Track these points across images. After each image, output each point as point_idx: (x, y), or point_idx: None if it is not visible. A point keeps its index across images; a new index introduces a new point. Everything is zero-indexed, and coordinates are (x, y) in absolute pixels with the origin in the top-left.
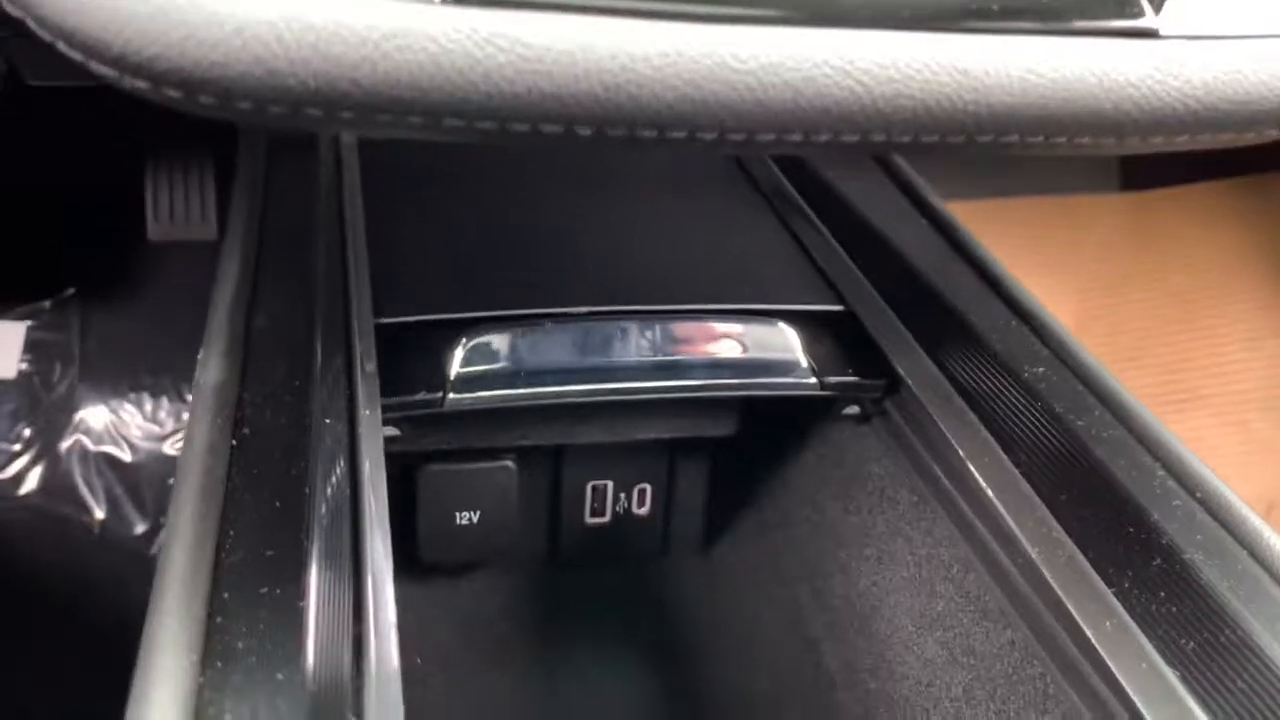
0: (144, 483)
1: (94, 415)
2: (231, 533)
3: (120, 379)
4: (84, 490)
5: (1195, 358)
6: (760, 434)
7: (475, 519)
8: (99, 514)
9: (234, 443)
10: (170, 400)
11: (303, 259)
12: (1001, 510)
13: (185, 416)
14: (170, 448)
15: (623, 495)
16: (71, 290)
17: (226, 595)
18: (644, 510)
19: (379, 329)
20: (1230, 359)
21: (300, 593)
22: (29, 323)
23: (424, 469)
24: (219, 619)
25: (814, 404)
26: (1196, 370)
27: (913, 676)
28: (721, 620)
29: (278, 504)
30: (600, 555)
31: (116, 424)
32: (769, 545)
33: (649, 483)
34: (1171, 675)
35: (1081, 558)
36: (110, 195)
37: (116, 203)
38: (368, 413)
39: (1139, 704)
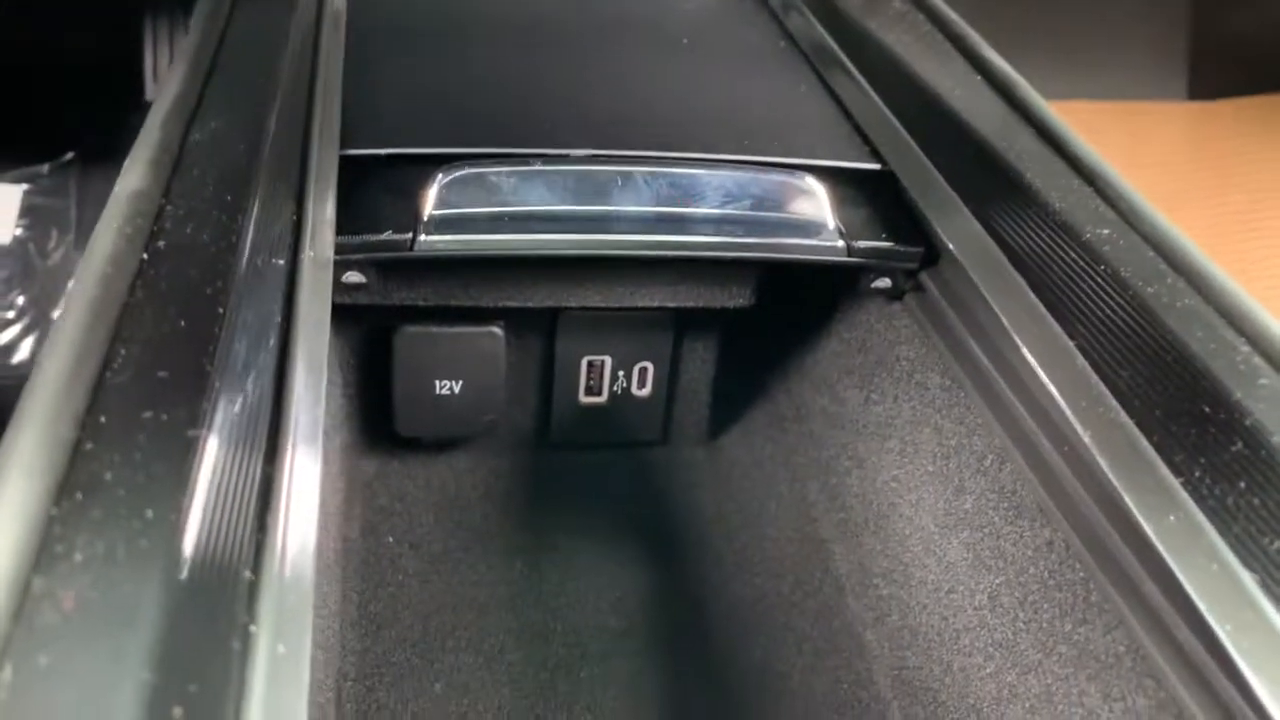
0: None
1: None
2: (123, 351)
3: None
4: None
5: (1249, 282)
6: (778, 310)
7: (457, 389)
8: None
9: (144, 256)
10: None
11: (264, 80)
12: (1051, 389)
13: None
14: None
15: (621, 373)
16: (70, 155)
17: (103, 419)
18: (644, 391)
19: (345, 161)
20: None
21: (194, 420)
22: (25, 186)
23: (400, 330)
24: (88, 444)
25: (840, 274)
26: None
27: (931, 581)
28: (724, 515)
29: (183, 324)
30: (594, 438)
31: None
32: (781, 437)
33: (651, 361)
34: (1249, 581)
35: (1144, 442)
36: (109, 59)
37: (115, 66)
38: (315, 244)
39: (1205, 611)
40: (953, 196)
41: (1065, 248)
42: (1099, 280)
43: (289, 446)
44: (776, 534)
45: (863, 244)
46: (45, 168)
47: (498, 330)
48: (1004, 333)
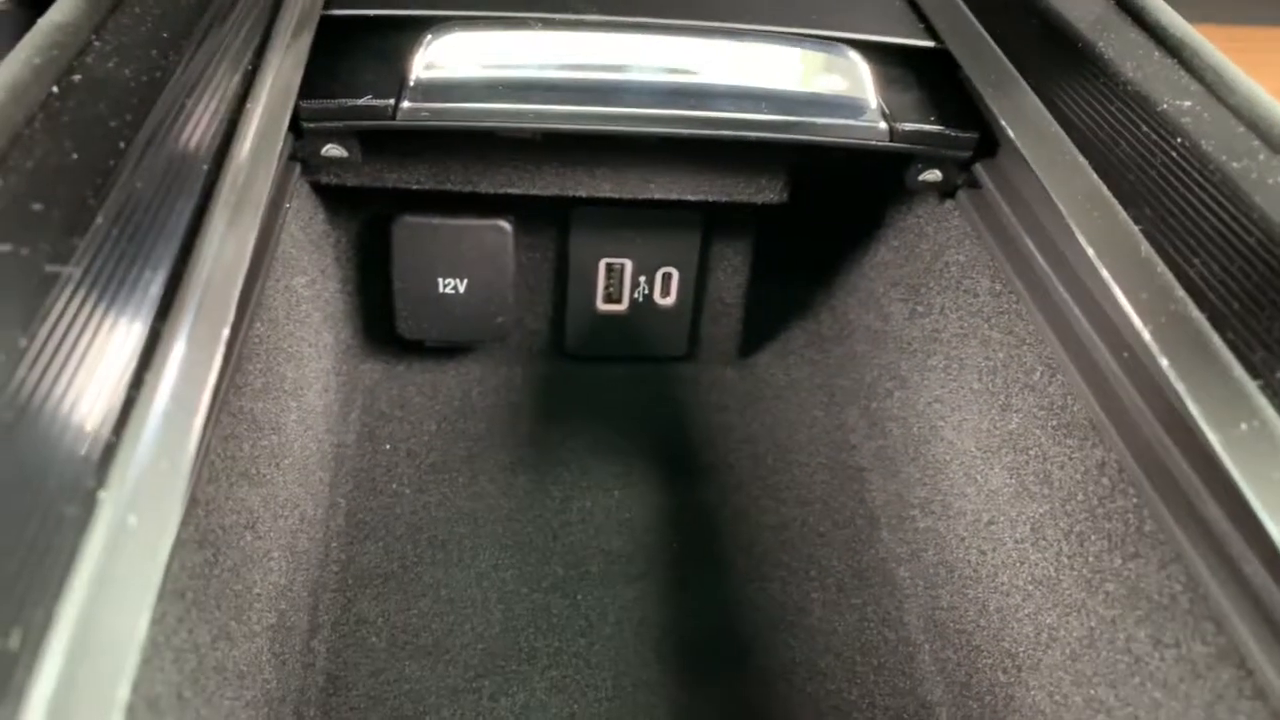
0: None
1: None
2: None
3: None
4: None
5: None
6: (817, 208)
7: (462, 288)
8: None
9: (53, 90)
10: None
11: None
12: (1110, 283)
13: None
14: None
15: (643, 279)
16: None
17: None
18: (668, 301)
19: (326, 21)
20: None
21: (58, 255)
22: None
23: (399, 219)
24: None
25: (885, 166)
26: None
27: (971, 512)
28: (752, 439)
29: (75, 156)
30: (613, 350)
31: None
32: (820, 359)
33: (675, 266)
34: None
35: (1216, 339)
36: None
37: None
38: (267, 98)
39: (1276, 537)
40: (1015, 76)
41: (1138, 123)
42: (1175, 157)
43: (190, 304)
44: (808, 460)
45: (909, 127)
46: None
47: (506, 224)
48: (1063, 226)
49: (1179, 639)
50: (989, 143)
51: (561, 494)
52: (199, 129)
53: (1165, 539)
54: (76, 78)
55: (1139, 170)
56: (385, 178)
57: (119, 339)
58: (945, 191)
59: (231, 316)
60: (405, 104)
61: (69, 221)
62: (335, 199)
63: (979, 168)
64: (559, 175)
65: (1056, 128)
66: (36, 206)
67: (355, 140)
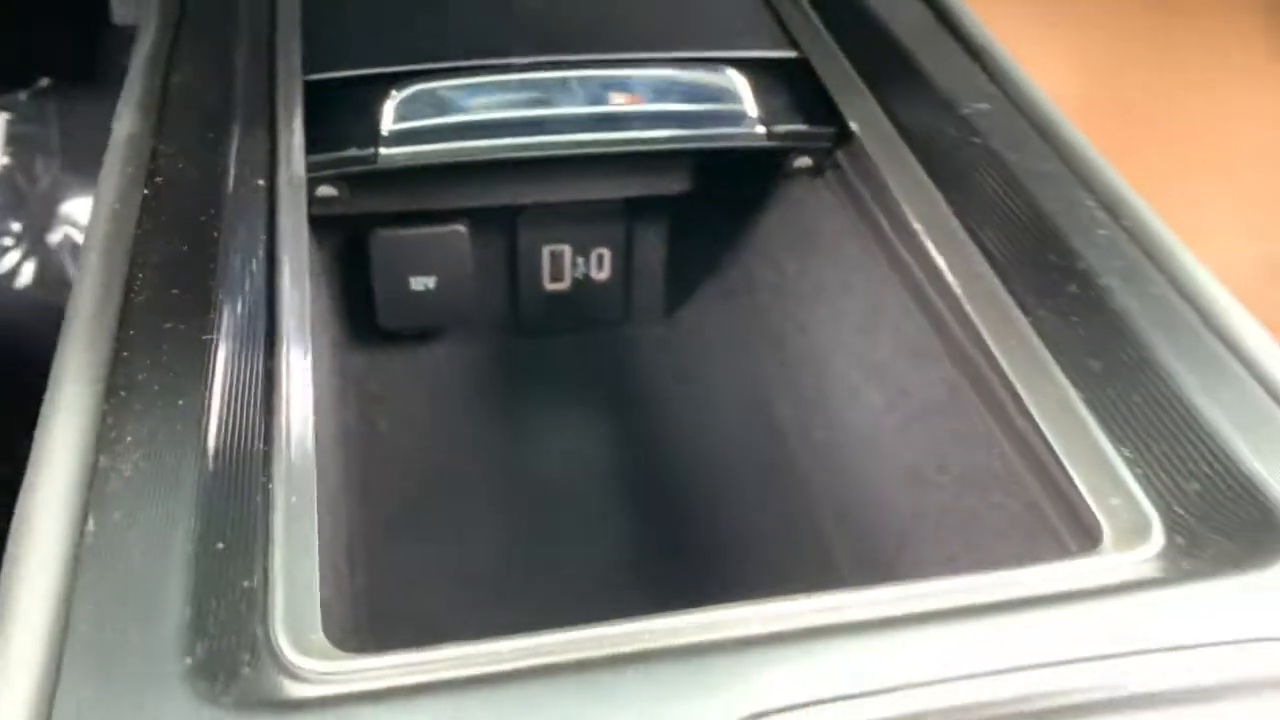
0: None
1: (79, 207)
2: (140, 276)
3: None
4: None
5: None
6: (716, 192)
7: (431, 285)
8: None
9: (146, 192)
10: None
11: (229, 15)
12: (934, 253)
13: None
14: None
15: (580, 260)
16: (45, 81)
17: (132, 332)
18: (603, 275)
19: (308, 85)
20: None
21: (205, 328)
22: (6, 116)
23: (375, 234)
24: (124, 353)
25: (766, 157)
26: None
27: (855, 424)
28: (685, 380)
29: (185, 248)
30: (561, 321)
31: None
32: (732, 309)
33: (607, 247)
34: (1074, 393)
35: (1003, 291)
36: None
37: None
38: (288, 165)
39: (1038, 418)
40: (857, 80)
41: (949, 123)
42: (975, 151)
43: (284, 341)
44: (728, 395)
45: (781, 128)
46: (23, 95)
47: (462, 228)
48: (897, 204)
49: (1002, 501)
50: (844, 133)
51: (535, 445)
52: (256, 207)
53: (987, 432)
54: (159, 180)
55: (950, 161)
56: (365, 205)
57: (253, 377)
58: (815, 173)
59: (310, 346)
60: (382, 150)
61: (202, 299)
62: (323, 225)
63: (839, 154)
64: (508, 189)
65: (890, 125)
66: (175, 292)
67: (344, 182)
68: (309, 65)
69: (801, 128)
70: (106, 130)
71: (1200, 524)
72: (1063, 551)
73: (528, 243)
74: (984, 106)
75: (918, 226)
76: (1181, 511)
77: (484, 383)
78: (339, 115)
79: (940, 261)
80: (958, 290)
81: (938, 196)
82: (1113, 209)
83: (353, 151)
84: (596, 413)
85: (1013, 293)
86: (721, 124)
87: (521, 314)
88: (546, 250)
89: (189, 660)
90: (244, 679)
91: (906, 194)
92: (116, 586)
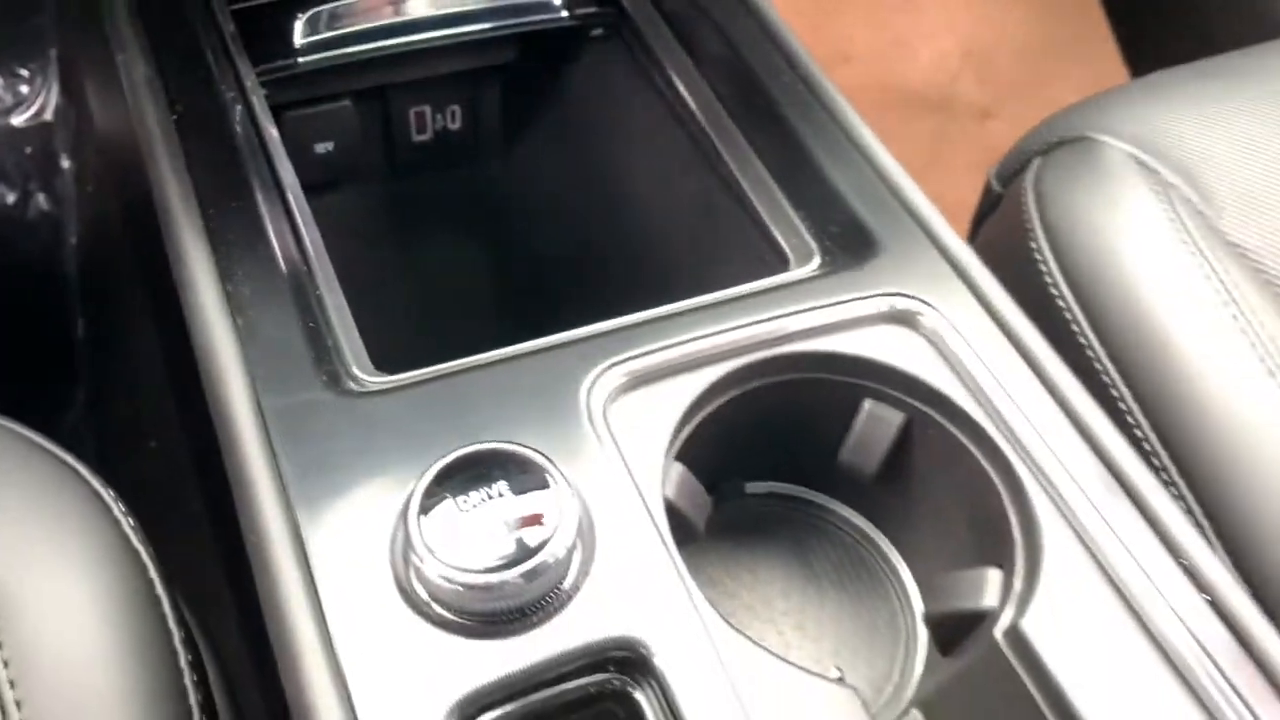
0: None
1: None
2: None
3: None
4: None
5: None
6: (538, 59)
7: (331, 148)
8: None
9: (174, 115)
10: (4, 77)
11: None
12: (686, 94)
13: (23, 89)
14: (17, 119)
15: (439, 115)
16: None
17: (211, 210)
18: (456, 125)
19: (235, 14)
20: None
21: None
22: None
23: (285, 115)
24: (211, 224)
25: (571, 31)
26: None
27: (645, 202)
28: (519, 200)
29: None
30: (429, 164)
31: None
32: (560, 143)
33: (458, 105)
34: (771, 182)
35: (726, 118)
36: None
37: None
38: (249, 80)
39: (753, 197)
40: None
41: (691, 3)
42: (707, 23)
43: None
44: (563, 215)
45: (579, 11)
46: None
47: (349, 104)
48: (662, 60)
49: (731, 240)
50: (624, 11)
51: (428, 253)
52: (245, 117)
53: (723, 204)
54: (180, 108)
55: (692, 28)
56: (280, 97)
57: (259, 219)
58: (607, 39)
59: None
60: (300, 59)
61: (237, 174)
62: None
63: (623, 27)
64: (382, 75)
65: (650, 6)
66: (229, 177)
67: (272, 84)
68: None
69: (592, 9)
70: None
71: (837, 249)
72: (771, 270)
73: (398, 108)
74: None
75: (674, 75)
76: (829, 243)
77: (378, 214)
78: (267, 34)
79: (690, 101)
80: (701, 116)
81: (685, 58)
82: (791, 61)
83: (280, 61)
84: (465, 225)
85: (733, 116)
86: (535, 12)
87: (398, 162)
88: (412, 111)
89: (323, 378)
90: (344, 387)
91: (666, 53)
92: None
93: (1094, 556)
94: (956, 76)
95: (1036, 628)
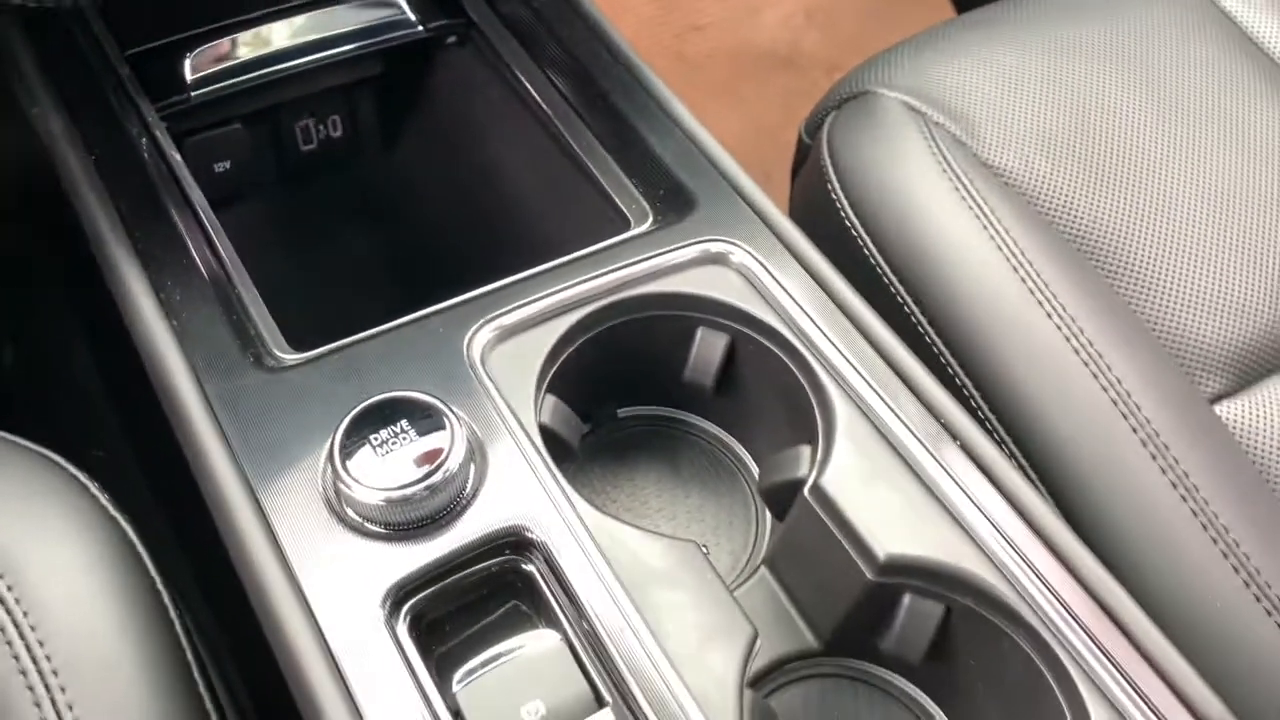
0: None
1: None
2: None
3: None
4: None
5: None
6: (404, 69)
7: (228, 166)
8: None
9: (92, 157)
10: None
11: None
12: (530, 88)
13: None
14: None
15: (321, 127)
16: None
17: (137, 234)
18: (339, 134)
19: (129, 59)
20: None
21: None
22: None
23: (186, 142)
24: (139, 245)
25: (428, 42)
26: None
27: (507, 170)
28: (405, 194)
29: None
30: (318, 170)
31: None
32: (429, 143)
33: (337, 115)
34: (607, 155)
35: (563, 103)
36: None
37: None
38: (150, 116)
39: (594, 169)
40: None
41: (527, 12)
42: (540, 28)
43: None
44: (443, 202)
45: (432, 24)
46: None
47: (239, 126)
48: (508, 62)
49: (584, 208)
50: (471, 22)
51: (321, 241)
52: (153, 149)
53: (569, 176)
54: (96, 153)
55: (530, 32)
56: (180, 126)
57: (179, 238)
58: (461, 45)
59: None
60: (193, 92)
61: (163, 215)
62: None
63: (473, 33)
64: (269, 96)
65: (493, 14)
66: (125, 203)
67: (170, 119)
68: (123, 42)
69: (443, 21)
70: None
71: (665, 208)
72: (614, 231)
73: (285, 125)
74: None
75: (519, 74)
76: (659, 204)
77: (278, 216)
78: (160, 73)
79: (535, 94)
80: (546, 107)
81: (528, 58)
82: (614, 54)
83: (175, 98)
84: (355, 216)
85: (571, 104)
86: (395, 29)
87: (289, 170)
88: (298, 126)
89: (250, 359)
90: (267, 365)
91: (511, 55)
92: (203, 342)
93: (875, 426)
94: (802, 34)
95: (832, 482)
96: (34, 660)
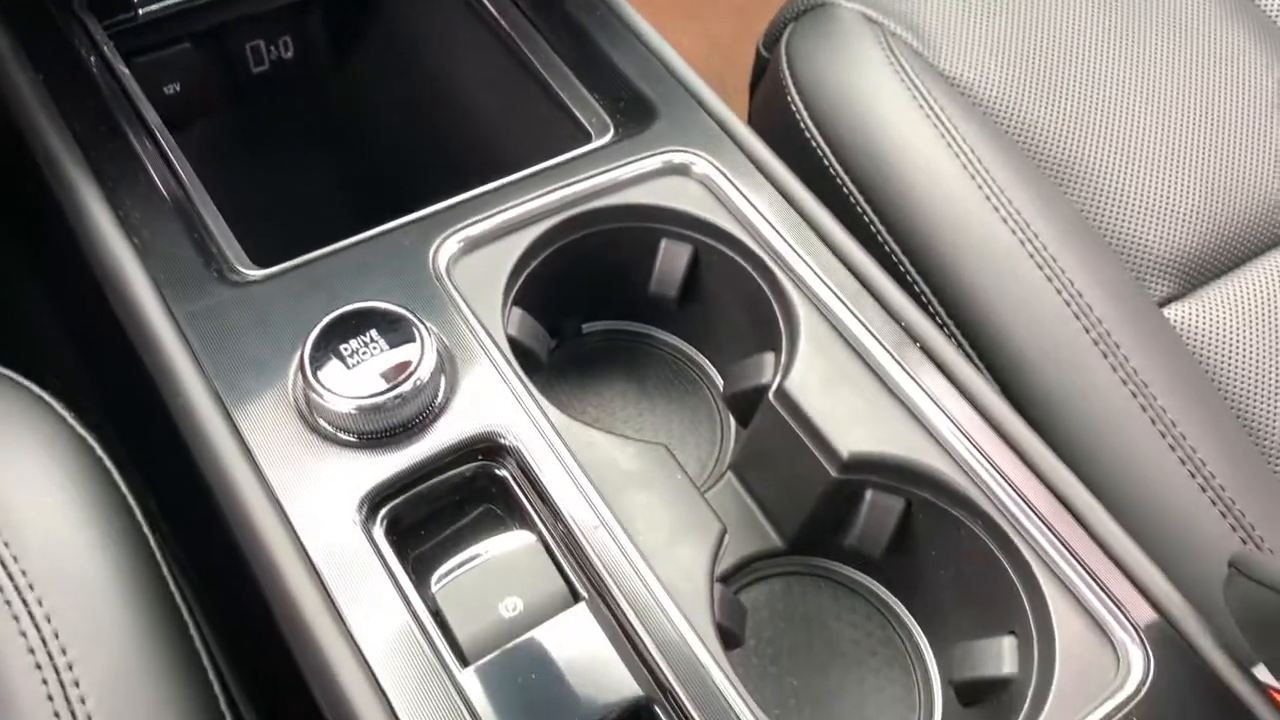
0: None
1: None
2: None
3: None
4: None
5: None
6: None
7: (178, 88)
8: None
9: (41, 76)
10: None
11: None
12: (494, 12)
13: None
14: None
15: (272, 47)
16: None
17: (92, 153)
18: (290, 55)
19: None
20: None
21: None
22: None
23: (134, 61)
24: (94, 164)
25: None
26: None
27: (472, 119)
28: (366, 112)
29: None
30: (273, 90)
31: None
32: (386, 61)
33: (288, 35)
34: (566, 69)
35: (534, 32)
36: None
37: None
38: (98, 34)
39: (563, 93)
40: None
41: None
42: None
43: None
44: (397, 102)
45: None
46: None
47: (188, 45)
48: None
49: (550, 127)
50: None
51: (274, 168)
52: (105, 71)
53: (532, 100)
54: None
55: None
56: (129, 44)
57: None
58: None
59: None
60: (141, 10)
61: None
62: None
63: None
64: (217, 14)
65: None
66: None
67: (120, 36)
68: None
69: None
70: None
71: (626, 120)
72: (576, 144)
73: (235, 44)
74: None
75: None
76: (620, 117)
77: (236, 136)
78: None
79: (494, 11)
80: (502, 21)
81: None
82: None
83: (121, 16)
84: (310, 137)
85: (531, 21)
86: None
87: (243, 91)
88: (249, 46)
89: (214, 275)
90: (231, 280)
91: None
92: (166, 259)
93: (837, 330)
94: None
95: (796, 385)
96: (9, 576)
